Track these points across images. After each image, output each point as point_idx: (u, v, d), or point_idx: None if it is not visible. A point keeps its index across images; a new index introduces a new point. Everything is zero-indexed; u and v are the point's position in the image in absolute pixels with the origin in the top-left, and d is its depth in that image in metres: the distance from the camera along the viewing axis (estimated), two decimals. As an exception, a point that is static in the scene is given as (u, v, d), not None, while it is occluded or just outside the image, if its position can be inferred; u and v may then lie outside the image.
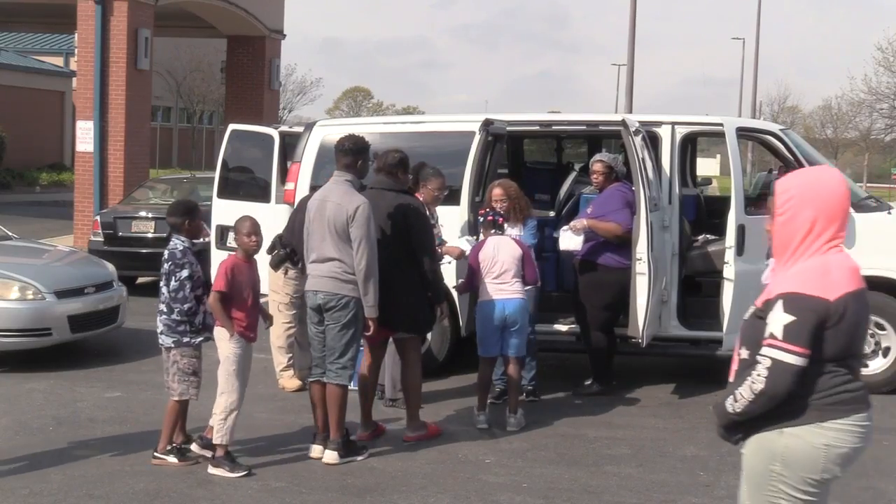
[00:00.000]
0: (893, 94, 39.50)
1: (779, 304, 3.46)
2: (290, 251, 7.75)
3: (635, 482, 6.40)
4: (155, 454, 6.56)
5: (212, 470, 6.37)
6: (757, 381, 3.48)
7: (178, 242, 6.60)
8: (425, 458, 6.80)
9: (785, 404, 3.49)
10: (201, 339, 6.59)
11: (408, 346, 7.19)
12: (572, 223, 8.45)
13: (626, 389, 8.74)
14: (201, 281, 6.64)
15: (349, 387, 6.77)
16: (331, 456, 6.60)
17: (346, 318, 6.61)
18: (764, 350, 3.47)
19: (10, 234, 11.23)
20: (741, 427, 3.64)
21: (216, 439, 6.42)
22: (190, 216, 6.62)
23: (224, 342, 6.49)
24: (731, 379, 3.67)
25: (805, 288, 3.46)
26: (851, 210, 8.64)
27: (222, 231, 10.14)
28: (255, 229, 6.61)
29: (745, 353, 3.61)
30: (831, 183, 3.55)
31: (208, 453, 6.50)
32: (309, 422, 7.09)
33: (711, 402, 8.33)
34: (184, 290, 6.49)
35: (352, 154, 6.78)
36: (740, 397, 3.53)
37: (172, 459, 6.53)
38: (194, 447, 6.63)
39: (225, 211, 10.39)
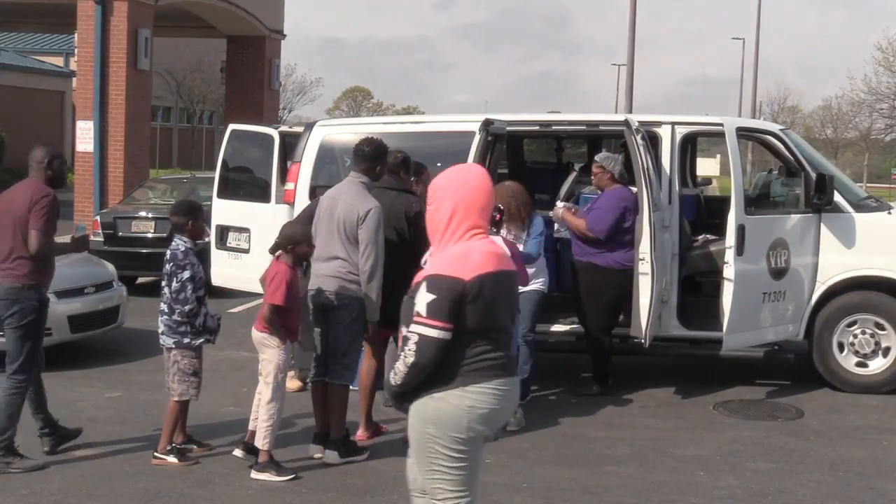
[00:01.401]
0: (893, 94, 39.49)
1: (423, 285, 3.90)
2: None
3: (635, 482, 6.40)
4: (155, 454, 6.56)
5: (256, 475, 6.29)
6: (408, 354, 3.86)
7: (180, 243, 6.58)
8: (425, 458, 6.79)
9: (436, 373, 3.87)
10: (202, 340, 6.58)
11: (408, 345, 7.18)
12: (556, 208, 8.71)
13: (626, 389, 8.74)
14: (203, 282, 6.63)
15: (350, 387, 6.77)
16: (331, 456, 6.60)
17: (350, 318, 6.62)
18: (412, 327, 3.87)
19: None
20: (406, 396, 3.96)
21: (262, 445, 6.34)
22: (193, 216, 6.61)
23: (272, 350, 6.41)
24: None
25: (444, 270, 3.89)
26: (851, 210, 8.78)
27: (222, 231, 10.14)
28: (311, 237, 6.59)
29: (404, 331, 3.95)
30: (471, 178, 4.03)
31: (251, 459, 6.43)
32: (309, 422, 7.09)
33: (712, 402, 8.39)
34: (185, 291, 6.47)
35: (371, 159, 6.81)
36: (398, 371, 3.90)
37: (172, 459, 6.53)
38: (237, 452, 6.59)
39: (225, 211, 10.40)
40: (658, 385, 8.99)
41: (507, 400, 4.02)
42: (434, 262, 3.98)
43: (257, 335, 6.48)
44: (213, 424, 7.29)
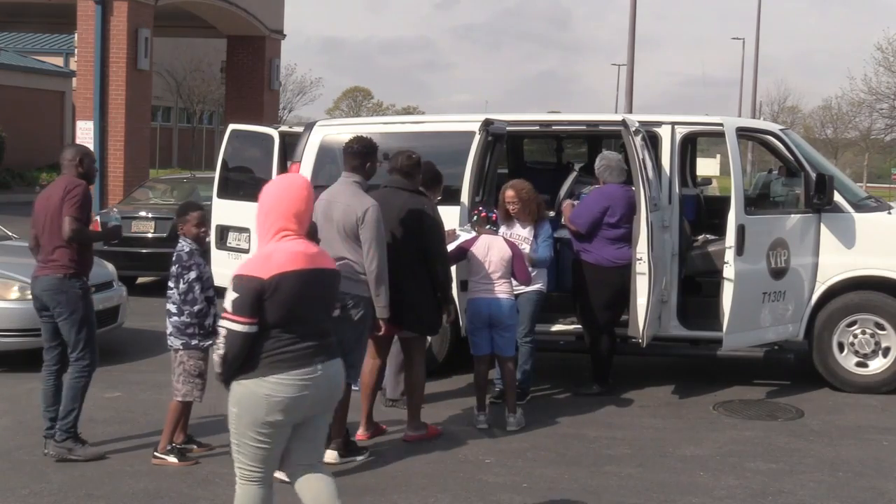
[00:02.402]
0: (893, 94, 39.51)
1: (231, 284, 4.30)
2: None
3: (635, 482, 6.40)
4: (155, 454, 6.56)
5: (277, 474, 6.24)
6: (219, 346, 4.32)
7: (184, 244, 6.58)
8: (425, 458, 6.80)
9: (245, 361, 4.30)
10: (210, 342, 6.48)
11: (413, 345, 7.19)
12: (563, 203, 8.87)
13: (626, 389, 8.74)
14: (211, 282, 6.62)
15: (352, 387, 6.77)
16: (331, 455, 6.60)
17: (356, 317, 6.62)
18: (221, 321, 4.33)
19: (10, 234, 11.23)
20: (228, 382, 4.40)
21: None
22: (181, 218, 6.62)
23: None
24: None
25: (246, 270, 4.33)
26: (851, 210, 8.78)
27: (222, 231, 10.14)
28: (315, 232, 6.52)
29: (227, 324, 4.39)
30: (285, 187, 4.48)
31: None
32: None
33: (711, 402, 8.38)
34: (193, 292, 6.47)
35: (361, 156, 6.79)
36: (215, 361, 4.36)
37: (172, 459, 6.53)
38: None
39: (225, 211, 10.39)
40: (658, 385, 8.99)
41: (314, 388, 4.38)
42: (242, 262, 4.49)
43: None
44: (212, 424, 7.29)
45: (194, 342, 6.52)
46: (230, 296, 4.29)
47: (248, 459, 4.43)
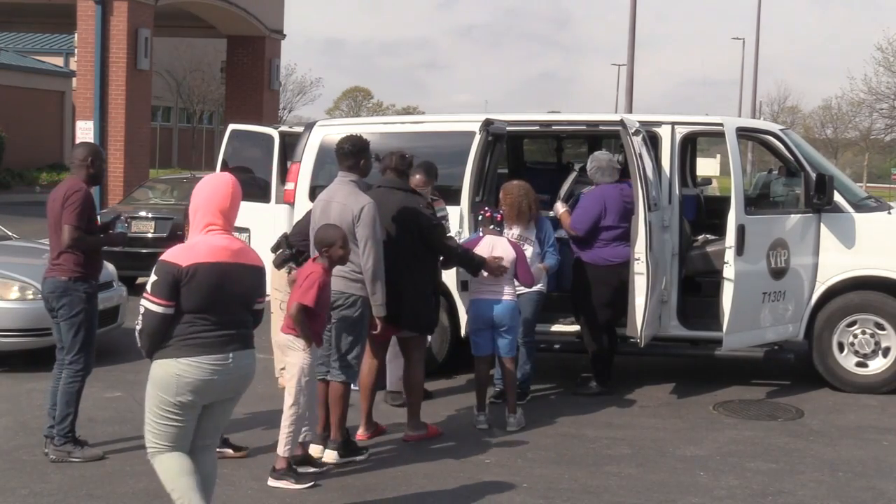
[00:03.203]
0: (893, 94, 39.51)
1: (154, 267, 4.70)
2: (294, 252, 7.74)
3: (635, 482, 6.40)
4: None
5: (273, 483, 6.13)
6: (139, 322, 4.70)
7: None
8: (425, 458, 6.80)
9: (162, 341, 4.66)
10: None
11: (412, 345, 7.19)
12: (556, 208, 8.78)
13: (626, 389, 8.74)
14: None
15: (351, 387, 6.77)
16: (330, 455, 6.60)
17: (353, 316, 6.62)
18: (141, 300, 4.69)
19: (10, 234, 11.22)
20: (151, 357, 4.74)
21: (282, 452, 6.18)
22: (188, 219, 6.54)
23: (297, 353, 6.24)
24: None
25: (169, 256, 4.69)
26: (851, 210, 8.77)
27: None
28: (347, 241, 6.38)
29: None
30: (212, 185, 4.87)
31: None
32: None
33: (711, 402, 8.38)
34: None
35: (353, 155, 6.80)
36: (137, 335, 4.73)
37: None
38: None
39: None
40: (658, 385, 8.99)
41: (224, 374, 4.70)
42: (168, 250, 4.80)
43: (282, 338, 6.33)
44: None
45: None
46: (152, 277, 4.67)
47: (156, 437, 4.78)
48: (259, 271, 4.88)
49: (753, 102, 51.53)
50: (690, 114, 9.81)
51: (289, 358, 6.30)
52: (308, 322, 6.16)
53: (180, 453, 4.81)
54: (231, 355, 4.71)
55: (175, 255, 4.69)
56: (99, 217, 7.40)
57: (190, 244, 4.77)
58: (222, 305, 4.70)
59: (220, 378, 4.70)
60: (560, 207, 8.76)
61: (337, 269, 6.57)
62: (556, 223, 9.41)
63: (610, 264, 8.29)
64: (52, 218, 6.69)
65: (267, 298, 5.02)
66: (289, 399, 6.20)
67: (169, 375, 4.66)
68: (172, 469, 4.82)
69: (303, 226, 7.42)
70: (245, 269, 4.78)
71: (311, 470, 6.34)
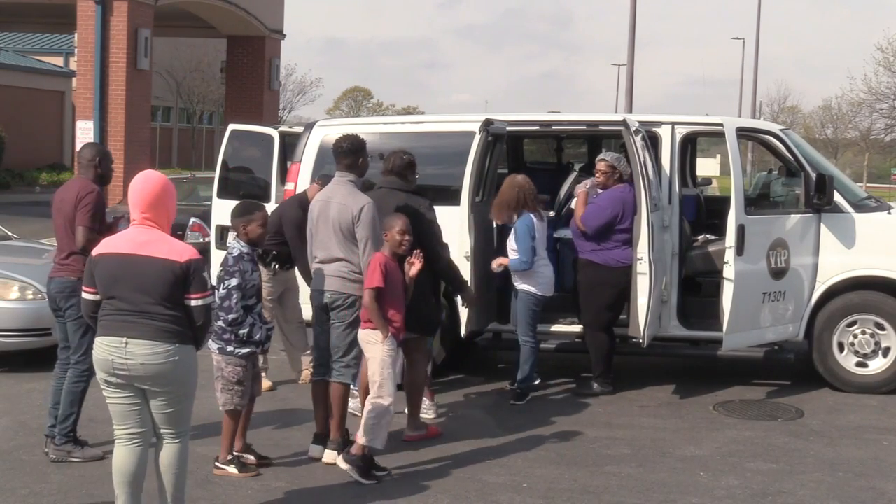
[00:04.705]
0: (893, 94, 39.48)
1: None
2: (263, 253, 7.74)
3: (635, 482, 6.40)
4: (216, 464, 6.42)
5: (342, 464, 6.30)
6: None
7: (234, 246, 6.33)
8: (425, 458, 6.80)
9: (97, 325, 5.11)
10: (247, 350, 6.32)
11: (414, 346, 7.19)
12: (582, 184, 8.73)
13: (626, 389, 8.74)
14: (255, 289, 6.35)
15: (351, 387, 6.77)
16: (330, 455, 6.60)
17: (352, 317, 6.62)
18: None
19: (10, 234, 11.22)
20: None
21: (361, 440, 6.24)
22: (246, 218, 6.34)
23: (376, 346, 6.28)
24: None
25: (95, 248, 5.14)
26: (851, 210, 8.77)
27: (222, 231, 10.12)
28: (408, 228, 6.42)
29: None
30: (138, 181, 5.11)
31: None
32: (309, 421, 7.09)
33: (711, 403, 8.38)
34: (230, 299, 6.19)
35: (351, 154, 6.79)
36: None
37: (233, 470, 6.36)
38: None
39: (225, 211, 10.37)
40: (658, 385, 8.99)
41: (120, 357, 4.95)
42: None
43: (362, 334, 6.42)
44: (213, 424, 7.28)
45: (230, 348, 6.29)
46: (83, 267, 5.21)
47: (112, 418, 5.20)
48: (163, 264, 4.94)
49: (753, 102, 51.57)
50: (690, 114, 9.80)
51: (368, 354, 6.40)
52: (383, 309, 6.30)
53: (130, 448, 5.25)
54: (126, 341, 4.95)
55: (97, 247, 5.13)
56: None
57: (112, 238, 5.19)
58: (122, 293, 4.99)
59: (118, 361, 4.96)
60: (581, 188, 8.69)
61: (335, 270, 6.58)
62: (555, 224, 9.42)
63: (622, 266, 8.28)
64: (61, 218, 6.66)
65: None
66: (372, 392, 6.33)
67: (96, 354, 5.07)
68: (115, 462, 5.28)
69: (272, 223, 7.46)
70: (147, 261, 4.96)
71: (379, 473, 6.38)
